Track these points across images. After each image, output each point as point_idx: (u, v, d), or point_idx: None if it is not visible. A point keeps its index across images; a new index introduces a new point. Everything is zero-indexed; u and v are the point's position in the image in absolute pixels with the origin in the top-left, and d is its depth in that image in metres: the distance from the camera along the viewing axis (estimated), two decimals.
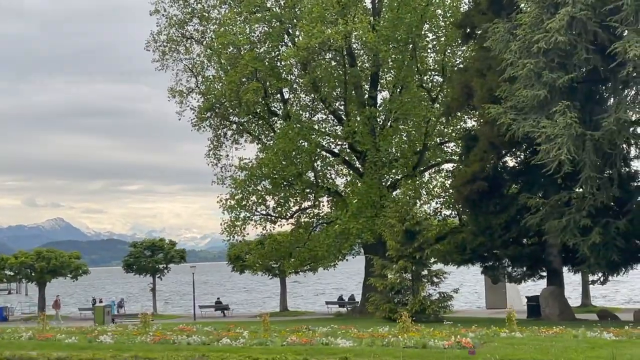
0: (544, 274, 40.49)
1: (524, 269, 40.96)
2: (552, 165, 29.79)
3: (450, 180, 46.12)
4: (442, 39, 46.13)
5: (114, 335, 22.60)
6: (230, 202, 45.97)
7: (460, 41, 43.54)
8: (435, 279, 38.54)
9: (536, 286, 47.41)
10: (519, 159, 41.02)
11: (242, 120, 49.18)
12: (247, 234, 47.58)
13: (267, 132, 49.98)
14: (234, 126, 49.78)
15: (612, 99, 32.36)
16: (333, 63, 47.29)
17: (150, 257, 66.56)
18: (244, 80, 44.88)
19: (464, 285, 45.97)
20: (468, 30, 41.44)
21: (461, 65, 44.41)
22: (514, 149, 39.44)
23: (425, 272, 38.69)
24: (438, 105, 45.97)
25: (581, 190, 33.45)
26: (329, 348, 18.27)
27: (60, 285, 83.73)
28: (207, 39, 48.92)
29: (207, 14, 48.50)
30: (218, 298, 69.99)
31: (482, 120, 38.03)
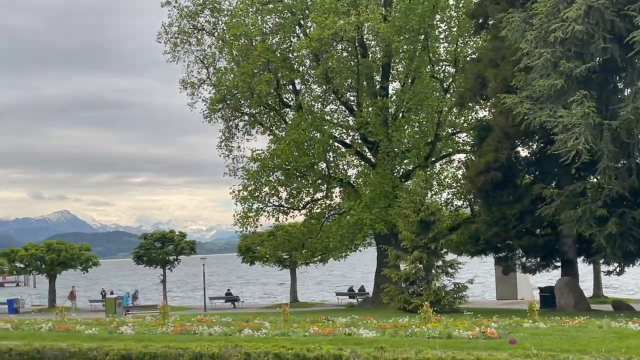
0: (558, 264, 40.48)
1: (538, 259, 40.97)
2: (569, 155, 29.65)
3: (462, 170, 46.08)
4: (454, 29, 45.92)
5: (134, 326, 22.60)
6: (242, 194, 46.00)
7: (472, 31, 43.33)
8: (450, 270, 38.51)
9: (545, 277, 47.35)
10: (532, 149, 40.91)
11: (254, 112, 49.17)
12: (260, 225, 47.64)
13: (278, 124, 49.93)
14: (246, 117, 49.78)
15: (629, 88, 32.20)
16: (344, 54, 47.18)
17: (161, 249, 66.61)
18: (256, 71, 44.82)
19: (471, 276, 45.79)
20: (481, 20, 41.27)
21: (474, 56, 44.22)
22: (527, 139, 39.30)
23: (439, 262, 38.66)
24: (449, 95, 45.86)
25: (596, 180, 33.43)
26: (353, 338, 18.20)
27: (68, 277, 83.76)
28: (218, 31, 48.88)
29: (218, 5, 48.40)
30: (228, 289, 70.09)
31: (495, 111, 37.91)
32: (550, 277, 45.75)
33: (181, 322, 24.31)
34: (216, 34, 49.00)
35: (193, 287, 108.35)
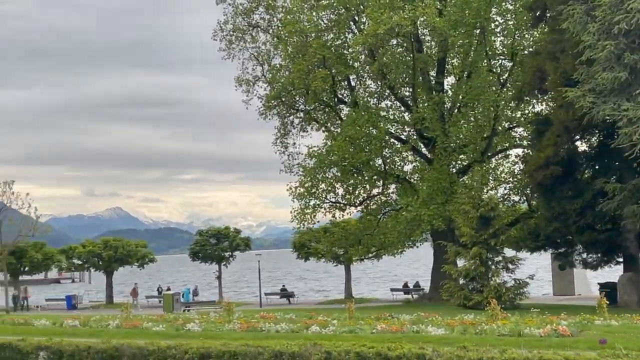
0: (620, 260, 39.80)
1: (599, 255, 40.32)
2: (634, 150, 29.12)
3: (519, 165, 45.60)
4: (511, 22, 45.43)
5: (200, 323, 22.82)
6: (299, 190, 46.15)
7: (530, 24, 42.76)
8: (510, 266, 38.11)
9: (603, 273, 46.50)
10: (591, 143, 40.29)
11: (309, 108, 49.24)
12: (318, 221, 47.81)
13: (333, 120, 49.96)
14: (301, 114, 49.89)
15: None
16: (399, 49, 47.01)
17: (216, 245, 67.23)
18: (311, 68, 44.90)
19: (525, 272, 44.85)
20: (539, 12, 40.72)
21: (532, 49, 43.64)
22: (587, 133, 38.70)
23: (499, 258, 38.30)
24: (506, 89, 45.38)
25: None
26: (422, 336, 18.16)
27: (124, 274, 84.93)
28: (273, 28, 49.07)
29: (273, 2, 48.59)
30: (283, 285, 70.41)
31: (555, 104, 37.42)
32: (609, 272, 44.99)
33: (246, 319, 24.49)
34: (271, 31, 49.24)
35: (246, 283, 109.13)
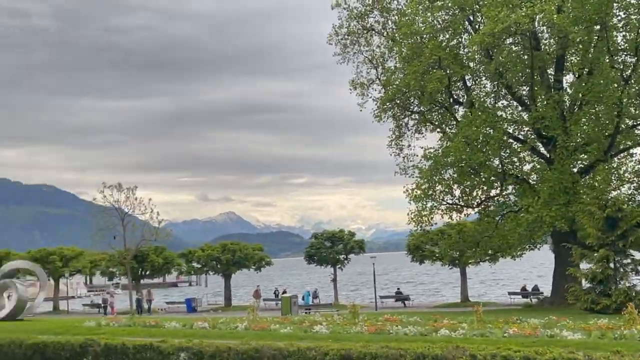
0: None
1: None
2: None
3: None
4: (634, 17, 43.72)
5: (328, 325, 22.92)
6: (416, 192, 45.82)
7: None
8: None
9: None
10: None
11: (424, 110, 48.94)
12: (435, 223, 47.34)
13: (448, 121, 49.46)
14: (415, 116, 49.65)
15: None
16: (516, 48, 46.10)
17: (331, 248, 67.70)
18: (426, 69, 44.59)
19: None
20: None
21: None
22: None
23: (628, 260, 36.93)
24: (629, 86, 43.72)
25: None
26: (557, 340, 17.68)
27: (239, 277, 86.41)
28: (387, 30, 49.04)
29: (387, 5, 48.58)
30: (398, 288, 70.28)
31: None
32: None
33: (370, 322, 24.46)
34: (385, 33, 49.22)
35: (358, 285, 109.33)
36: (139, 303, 61.77)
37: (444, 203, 47.03)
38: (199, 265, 73.58)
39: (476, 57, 46.51)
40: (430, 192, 46.05)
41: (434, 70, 44.45)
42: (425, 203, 45.97)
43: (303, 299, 60.61)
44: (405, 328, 21.04)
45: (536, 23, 43.75)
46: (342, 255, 67.79)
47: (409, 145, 49.65)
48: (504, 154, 46.33)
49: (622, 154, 47.15)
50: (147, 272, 73.55)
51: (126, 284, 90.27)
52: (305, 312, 47.65)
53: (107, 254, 73.43)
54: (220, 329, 24.42)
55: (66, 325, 30.69)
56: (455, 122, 48.10)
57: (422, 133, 50.06)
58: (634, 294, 35.24)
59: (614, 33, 44.42)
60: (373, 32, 49.65)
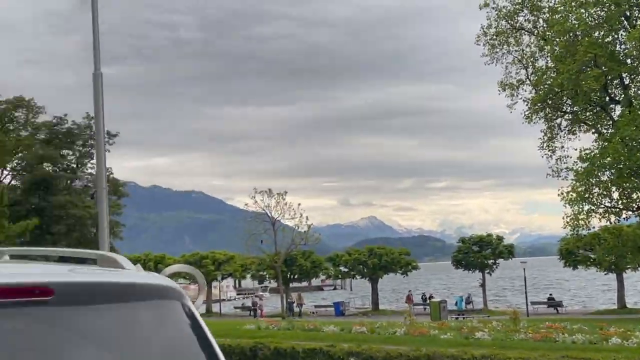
0: None
1: None
2: None
3: None
4: None
5: (489, 332, 22.51)
6: (571, 195, 44.27)
7: None
8: None
9: None
10: None
11: (577, 110, 47.31)
12: (593, 227, 45.58)
13: (603, 121, 47.56)
14: (568, 116, 48.06)
15: None
16: None
17: (479, 253, 66.72)
18: (581, 67, 43.07)
19: None
20: None
21: None
22: None
23: None
24: None
25: None
26: None
27: (382, 282, 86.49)
28: (538, 29, 47.72)
29: (538, 3, 47.25)
30: (550, 294, 68.35)
31: None
32: None
33: (533, 329, 23.86)
34: (536, 32, 47.88)
35: (506, 290, 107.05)
36: (290, 306, 62.94)
37: (602, 206, 45.22)
38: (346, 270, 74.30)
39: (634, 53, 44.52)
40: (586, 195, 44.36)
41: (590, 69, 42.85)
42: (581, 206, 44.34)
43: (456, 304, 59.98)
44: (572, 336, 20.33)
45: None
46: (491, 260, 66.63)
47: (562, 147, 48.11)
48: None
49: None
50: (296, 276, 74.91)
51: (274, 287, 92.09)
52: (456, 318, 47.01)
53: (258, 258, 75.41)
54: (379, 334, 24.41)
55: (226, 328, 31.59)
56: (611, 122, 46.16)
57: (576, 134, 48.37)
58: None
59: None
60: (523, 31, 48.39)
